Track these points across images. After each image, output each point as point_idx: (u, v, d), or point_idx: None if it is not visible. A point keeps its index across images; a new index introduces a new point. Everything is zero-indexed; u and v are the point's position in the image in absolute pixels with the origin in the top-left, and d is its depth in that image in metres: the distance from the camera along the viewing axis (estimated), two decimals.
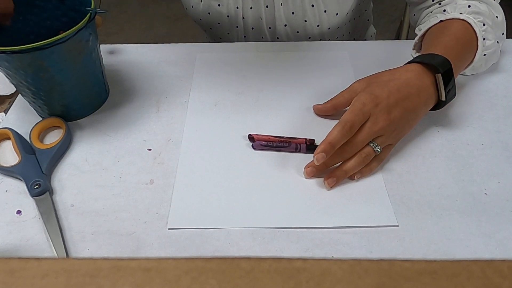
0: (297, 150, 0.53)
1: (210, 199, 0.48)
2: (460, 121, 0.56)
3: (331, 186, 0.49)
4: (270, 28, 0.76)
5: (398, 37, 1.24)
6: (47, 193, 0.49)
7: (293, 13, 0.72)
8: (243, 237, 0.45)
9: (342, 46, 0.69)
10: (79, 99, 0.57)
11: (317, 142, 0.53)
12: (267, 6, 0.73)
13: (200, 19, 0.78)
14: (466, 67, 0.58)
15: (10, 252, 0.45)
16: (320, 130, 0.52)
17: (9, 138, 0.55)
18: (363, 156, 0.49)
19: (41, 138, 0.56)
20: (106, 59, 0.67)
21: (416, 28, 0.65)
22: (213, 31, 0.81)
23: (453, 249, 0.44)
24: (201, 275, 0.19)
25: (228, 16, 0.76)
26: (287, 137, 0.54)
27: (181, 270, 0.19)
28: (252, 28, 0.77)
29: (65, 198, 0.49)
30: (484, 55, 0.58)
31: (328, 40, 0.78)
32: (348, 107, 0.49)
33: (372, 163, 0.50)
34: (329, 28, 0.74)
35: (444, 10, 0.60)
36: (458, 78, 0.56)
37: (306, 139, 0.53)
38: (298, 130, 0.56)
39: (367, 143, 0.49)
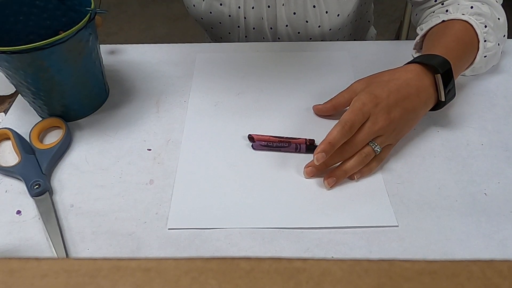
0: (297, 150, 0.53)
1: (210, 199, 0.48)
2: (460, 121, 0.56)
3: (331, 186, 0.49)
4: (271, 28, 0.76)
5: (398, 37, 1.24)
6: (47, 193, 0.49)
7: (294, 13, 0.72)
8: (243, 237, 0.45)
9: (342, 47, 0.69)
10: (79, 99, 0.57)
11: (317, 142, 0.53)
12: (268, 6, 0.73)
13: (202, 18, 0.78)
14: (466, 68, 0.58)
15: (10, 252, 0.45)
16: (320, 130, 0.52)
17: (9, 138, 0.55)
18: (363, 156, 0.49)
19: (41, 138, 0.56)
20: (106, 59, 0.67)
21: (418, 28, 0.65)
22: (214, 30, 0.81)
23: (453, 249, 0.44)
24: (201, 275, 0.19)
25: (229, 15, 0.76)
26: (287, 137, 0.54)
27: (181, 270, 0.19)
28: (254, 28, 0.77)
29: (65, 198, 0.49)
30: (485, 57, 0.58)
31: (329, 41, 0.78)
32: (348, 107, 0.49)
33: (372, 163, 0.50)
34: (330, 29, 0.74)
35: (447, 11, 0.60)
36: (458, 79, 0.56)
37: (306, 139, 0.53)
38: (298, 130, 0.56)
39: (367, 143, 0.49)
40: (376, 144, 0.49)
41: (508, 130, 0.55)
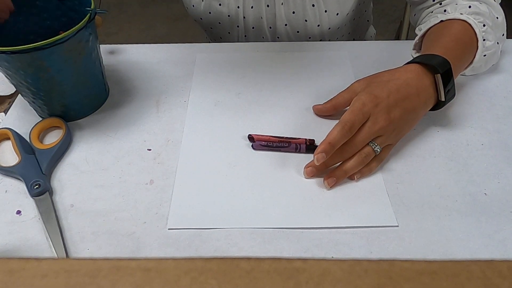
0: (297, 150, 0.53)
1: (210, 199, 0.48)
2: (460, 121, 0.56)
3: (331, 186, 0.49)
4: (270, 27, 0.76)
5: (398, 37, 1.24)
6: (47, 193, 0.49)
7: (293, 12, 0.72)
8: (243, 237, 0.45)
9: (342, 46, 0.69)
10: (79, 99, 0.57)
11: (317, 142, 0.53)
12: (267, 6, 0.73)
13: (201, 19, 0.78)
14: (466, 68, 0.58)
15: (10, 252, 0.45)
16: (320, 130, 0.52)
17: (9, 138, 0.55)
18: (363, 156, 0.49)
19: (41, 138, 0.56)
20: (106, 59, 0.67)
21: (416, 28, 0.65)
22: (213, 30, 0.81)
23: (453, 249, 0.44)
24: (201, 275, 0.19)
25: (228, 15, 0.76)
26: (287, 137, 0.54)
27: (181, 270, 0.19)
28: (253, 28, 0.77)
29: (65, 198, 0.49)
30: (484, 56, 0.58)
31: (328, 40, 0.78)
32: (348, 107, 0.49)
33: (372, 163, 0.50)
34: (329, 28, 0.74)
35: (445, 10, 0.60)
36: (458, 78, 0.56)
37: (306, 139, 0.53)
38: (298, 130, 0.56)
39: (367, 143, 0.49)
40: (376, 144, 0.49)
41: (508, 130, 0.55)
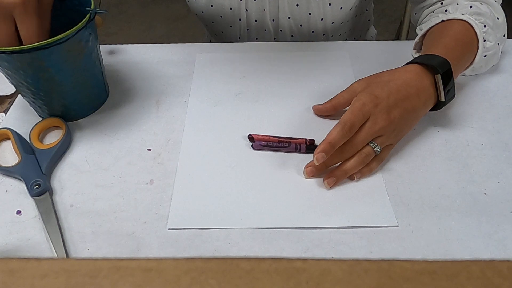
0: (297, 150, 0.53)
1: (210, 199, 0.48)
2: (460, 121, 0.56)
3: (331, 186, 0.49)
4: (273, 20, 0.75)
5: (398, 37, 1.24)
6: (47, 193, 0.49)
7: (297, 5, 0.72)
8: (243, 237, 0.45)
9: (342, 46, 0.69)
10: (79, 99, 0.57)
11: (317, 142, 0.53)
12: None
13: (202, 12, 0.77)
14: (466, 68, 0.58)
15: (10, 252, 0.45)
16: (320, 130, 0.52)
17: (9, 138, 0.55)
18: (363, 156, 0.49)
19: (41, 138, 0.56)
20: (106, 59, 0.67)
21: (417, 28, 0.65)
22: (214, 25, 0.80)
23: (453, 249, 0.44)
24: (201, 275, 0.19)
25: (231, 8, 0.75)
26: (287, 137, 0.54)
27: (181, 270, 0.19)
28: (255, 21, 0.76)
29: (65, 198, 0.49)
30: (484, 56, 0.58)
31: (332, 36, 0.78)
32: (348, 107, 0.49)
33: (372, 163, 0.50)
34: (332, 23, 0.74)
35: (446, 10, 0.60)
36: (458, 79, 0.56)
37: (306, 139, 0.53)
38: (298, 130, 0.56)
39: (367, 143, 0.49)
40: (376, 144, 0.49)
41: (508, 130, 0.55)
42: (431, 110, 0.53)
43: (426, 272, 0.19)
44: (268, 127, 0.56)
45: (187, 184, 0.50)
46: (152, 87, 0.63)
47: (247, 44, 0.71)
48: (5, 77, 0.53)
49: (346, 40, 0.84)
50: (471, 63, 0.58)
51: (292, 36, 0.77)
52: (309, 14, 0.72)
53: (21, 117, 0.59)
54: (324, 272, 0.19)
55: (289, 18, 0.74)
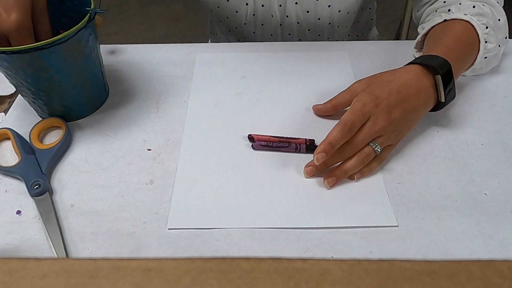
0: (297, 150, 0.53)
1: (210, 199, 0.48)
2: (460, 121, 0.56)
3: (331, 186, 0.49)
4: (280, 5, 0.74)
5: (398, 37, 1.24)
6: (47, 193, 0.49)
7: None
8: (243, 237, 0.45)
9: (342, 46, 0.69)
10: (79, 99, 0.57)
11: (317, 142, 0.53)
12: None
13: None
14: (466, 69, 0.58)
15: (10, 252, 0.45)
16: (320, 130, 0.52)
17: (9, 138, 0.55)
18: (363, 156, 0.49)
19: (41, 138, 0.56)
20: (106, 59, 0.67)
21: (419, 27, 0.65)
22: (220, 10, 0.78)
23: (453, 249, 0.44)
24: (201, 275, 0.19)
25: None
26: (287, 137, 0.54)
27: (181, 270, 0.19)
28: (262, 6, 0.75)
29: (64, 198, 0.49)
30: (485, 58, 0.58)
31: (337, 27, 0.77)
32: (348, 107, 0.49)
33: (372, 163, 0.50)
34: (339, 11, 0.73)
35: (449, 10, 0.60)
36: (458, 79, 0.56)
37: (306, 139, 0.53)
38: (298, 130, 0.56)
39: (367, 143, 0.49)
40: (376, 144, 0.49)
41: (508, 130, 0.55)
42: (431, 110, 0.53)
43: (426, 272, 0.19)
44: (268, 127, 0.56)
45: (187, 184, 0.50)
46: (152, 87, 0.63)
47: (247, 44, 0.71)
48: (5, 77, 0.53)
49: (349, 36, 0.83)
50: (472, 64, 0.58)
51: (298, 23, 0.76)
52: (317, 0, 0.72)
53: (21, 117, 0.59)
54: (324, 272, 0.19)
55: (296, 3, 0.73)
